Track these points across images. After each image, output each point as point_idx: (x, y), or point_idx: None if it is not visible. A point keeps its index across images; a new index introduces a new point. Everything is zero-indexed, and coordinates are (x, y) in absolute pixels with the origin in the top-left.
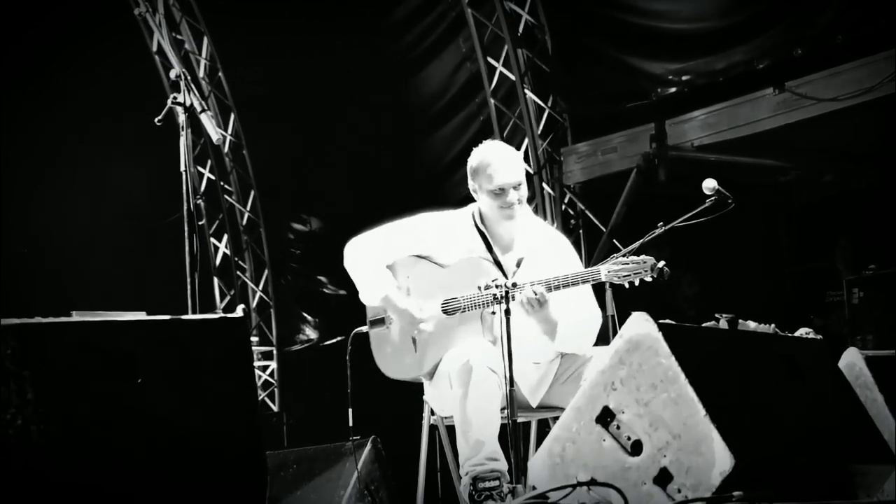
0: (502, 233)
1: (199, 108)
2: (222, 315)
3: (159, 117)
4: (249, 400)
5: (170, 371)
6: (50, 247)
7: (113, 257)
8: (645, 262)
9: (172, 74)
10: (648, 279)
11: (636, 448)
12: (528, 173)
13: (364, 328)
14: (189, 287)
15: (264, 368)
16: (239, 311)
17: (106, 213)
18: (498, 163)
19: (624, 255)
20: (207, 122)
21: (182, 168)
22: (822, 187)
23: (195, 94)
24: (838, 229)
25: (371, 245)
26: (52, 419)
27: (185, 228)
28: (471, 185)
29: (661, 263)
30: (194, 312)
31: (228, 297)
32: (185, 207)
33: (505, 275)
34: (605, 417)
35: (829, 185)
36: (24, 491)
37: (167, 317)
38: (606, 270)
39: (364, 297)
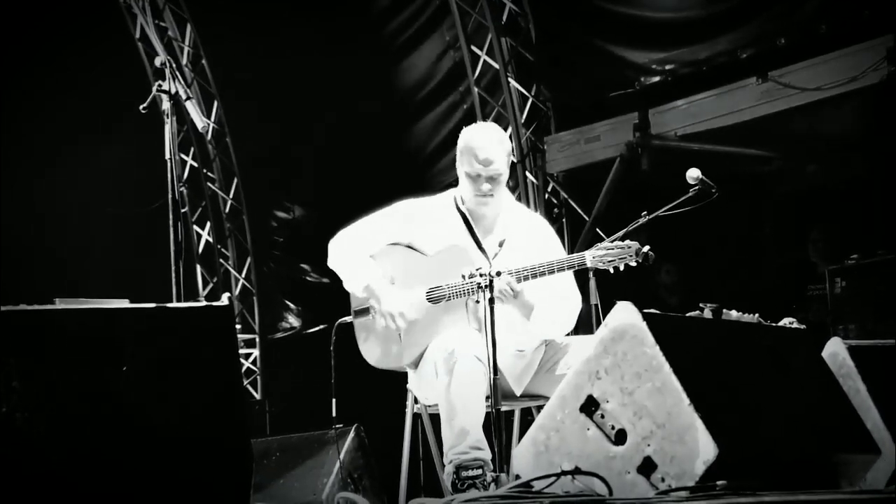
0: (484, 214)
1: (183, 96)
2: (207, 303)
3: (144, 105)
4: (234, 388)
5: (154, 359)
6: (38, 236)
7: (98, 245)
8: (630, 247)
9: (157, 62)
10: (633, 264)
11: (620, 437)
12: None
13: (348, 318)
14: (174, 275)
15: (247, 356)
16: (224, 300)
17: (90, 201)
18: (477, 149)
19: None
20: (192, 109)
21: (167, 155)
22: (805, 177)
23: (180, 82)
24: (821, 219)
25: (352, 238)
26: (36, 407)
27: (170, 216)
28: (457, 163)
29: (646, 248)
30: (178, 300)
31: (211, 285)
32: (170, 195)
33: (487, 257)
34: (590, 406)
35: (812, 174)
36: (9, 478)
37: (152, 304)
38: (591, 256)
39: (348, 288)
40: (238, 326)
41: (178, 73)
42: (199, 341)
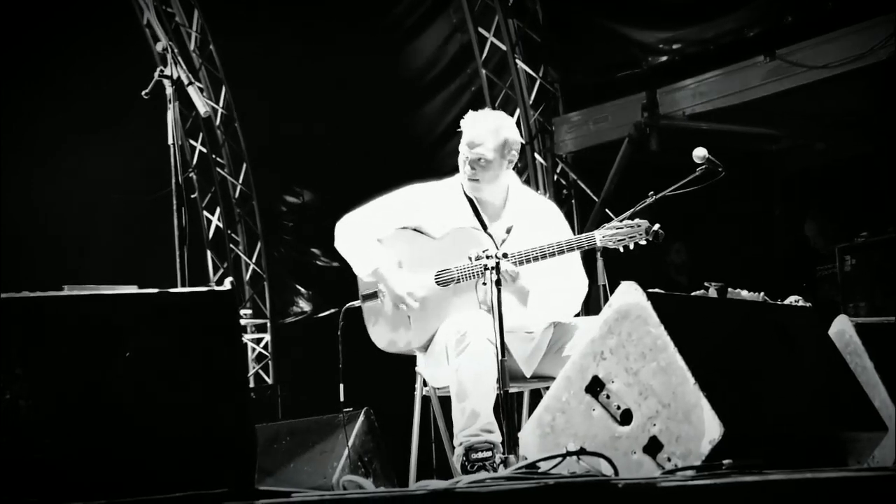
0: (490, 200)
1: (186, 81)
2: (210, 288)
3: (146, 90)
4: (237, 373)
5: (157, 345)
6: (48, 223)
7: (105, 233)
8: (639, 226)
9: (159, 47)
10: (643, 242)
11: (626, 417)
12: (521, 144)
13: (356, 303)
14: (178, 260)
15: (258, 341)
16: (227, 284)
17: (98, 190)
18: (465, 130)
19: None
20: (195, 94)
21: (170, 141)
22: (813, 155)
23: (182, 67)
24: (830, 197)
25: (359, 221)
26: (40, 394)
27: (174, 202)
28: None
29: (656, 226)
30: (184, 285)
31: (221, 270)
32: (174, 181)
33: (494, 243)
34: (595, 387)
35: (820, 152)
36: (12, 466)
37: (154, 290)
38: (601, 235)
39: (356, 272)
40: (249, 311)
41: (179, 58)
42: (201, 326)
